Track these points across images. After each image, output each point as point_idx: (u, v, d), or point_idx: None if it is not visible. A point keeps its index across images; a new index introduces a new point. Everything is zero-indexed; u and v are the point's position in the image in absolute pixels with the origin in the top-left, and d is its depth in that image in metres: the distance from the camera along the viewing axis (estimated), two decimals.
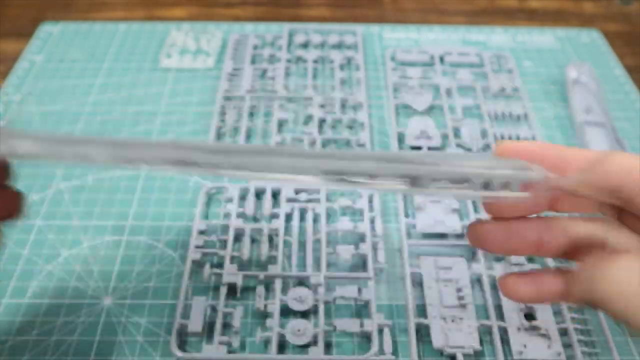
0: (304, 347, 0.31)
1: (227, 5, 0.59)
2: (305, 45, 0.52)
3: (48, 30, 0.53)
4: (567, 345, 0.31)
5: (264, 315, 0.32)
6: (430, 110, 0.46)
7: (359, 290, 0.33)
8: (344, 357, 0.30)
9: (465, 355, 0.30)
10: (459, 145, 0.42)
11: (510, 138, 0.43)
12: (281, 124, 0.44)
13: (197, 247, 0.35)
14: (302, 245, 0.36)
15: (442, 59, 0.50)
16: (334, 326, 0.31)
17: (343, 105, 0.46)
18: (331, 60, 0.50)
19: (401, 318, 0.32)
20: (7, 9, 0.57)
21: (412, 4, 0.60)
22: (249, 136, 0.43)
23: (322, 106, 0.45)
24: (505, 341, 0.31)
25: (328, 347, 0.31)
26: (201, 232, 0.36)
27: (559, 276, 0.21)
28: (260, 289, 0.33)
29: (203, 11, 0.58)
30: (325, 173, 0.19)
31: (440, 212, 0.37)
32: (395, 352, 0.31)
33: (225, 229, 0.36)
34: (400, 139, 0.43)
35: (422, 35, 0.54)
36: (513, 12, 0.59)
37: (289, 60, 0.50)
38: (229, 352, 0.30)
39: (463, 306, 0.32)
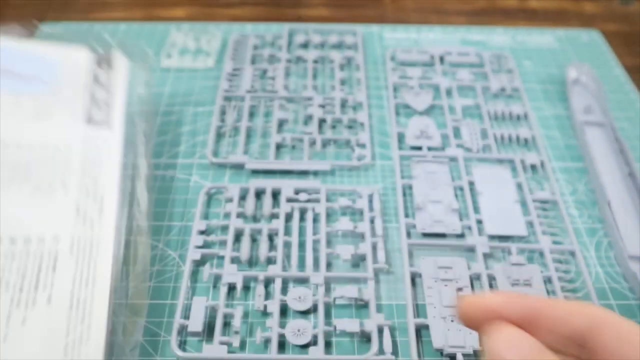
0: (304, 347, 0.31)
1: (227, 6, 0.59)
2: (305, 45, 0.52)
3: (48, 31, 0.53)
4: None
5: (264, 315, 0.32)
6: (430, 110, 0.46)
7: (359, 290, 0.33)
8: (344, 357, 0.30)
9: (465, 355, 0.30)
10: (459, 146, 0.42)
11: (510, 138, 0.43)
12: (281, 124, 0.44)
13: (197, 247, 0.35)
14: (302, 245, 0.36)
15: (442, 59, 0.50)
16: (334, 326, 0.31)
17: (343, 105, 0.46)
18: (331, 60, 0.50)
19: (401, 318, 0.33)
20: (7, 9, 0.57)
21: (412, 4, 0.60)
22: (248, 136, 0.43)
23: (322, 106, 0.45)
24: None
25: (328, 347, 0.31)
26: (201, 232, 0.36)
27: None
28: (260, 289, 0.33)
29: (203, 11, 0.58)
30: None
31: (440, 212, 0.37)
32: (395, 352, 0.31)
33: (225, 229, 0.36)
34: (400, 139, 0.43)
35: (422, 35, 0.54)
36: (513, 12, 0.59)
37: (289, 60, 0.50)
38: (229, 352, 0.30)
39: None
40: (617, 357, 0.17)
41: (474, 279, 0.34)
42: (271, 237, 0.36)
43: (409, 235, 0.37)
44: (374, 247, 0.35)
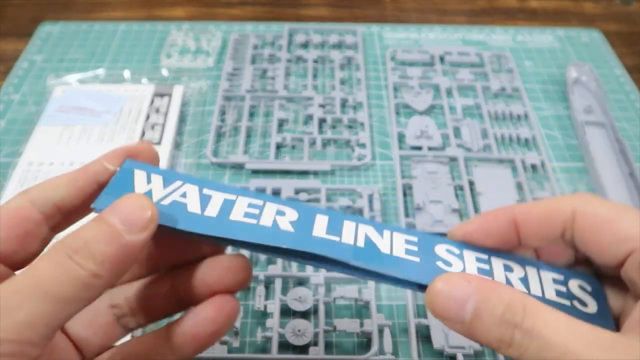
0: (304, 347, 0.31)
1: (227, 5, 0.59)
2: (305, 45, 0.52)
3: (48, 30, 0.53)
4: None
5: (264, 315, 0.32)
6: (430, 110, 0.46)
7: (359, 290, 0.33)
8: (344, 357, 0.30)
9: (465, 355, 0.30)
10: (459, 146, 0.42)
11: (510, 138, 0.43)
12: (281, 124, 0.44)
13: None
14: None
15: (442, 59, 0.50)
16: (334, 326, 0.31)
17: (343, 105, 0.46)
18: (331, 60, 0.50)
19: (401, 318, 0.32)
20: (7, 8, 0.57)
21: (412, 3, 0.60)
22: (249, 136, 0.43)
23: (322, 106, 0.45)
24: None
25: (328, 347, 0.31)
26: None
27: None
28: (260, 289, 0.33)
29: (203, 11, 0.58)
30: None
31: (440, 212, 0.37)
32: (395, 352, 0.31)
33: None
34: (401, 139, 0.43)
35: (422, 35, 0.54)
36: (513, 12, 0.59)
37: (289, 60, 0.50)
38: (229, 351, 0.30)
39: None
40: (594, 240, 0.18)
41: None
42: None
43: None
44: None
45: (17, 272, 0.18)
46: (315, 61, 0.50)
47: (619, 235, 0.18)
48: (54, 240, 0.19)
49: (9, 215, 0.19)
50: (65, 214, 0.20)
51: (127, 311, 0.22)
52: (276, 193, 0.38)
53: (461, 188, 0.39)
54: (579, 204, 0.19)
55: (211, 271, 0.21)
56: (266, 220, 0.20)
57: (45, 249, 0.17)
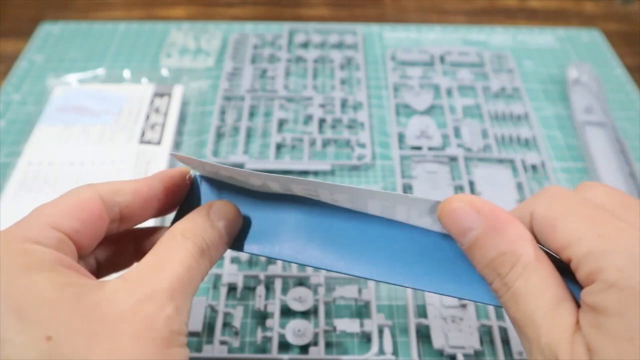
0: (304, 347, 0.31)
1: (227, 5, 0.59)
2: (305, 45, 0.52)
3: (47, 30, 0.53)
4: None
5: (264, 315, 0.32)
6: (430, 110, 0.46)
7: (359, 290, 0.33)
8: (344, 357, 0.30)
9: (465, 355, 0.30)
10: (459, 145, 0.42)
11: (510, 138, 0.43)
12: (281, 124, 0.44)
13: None
14: None
15: (442, 59, 0.50)
16: (334, 326, 0.31)
17: (343, 105, 0.46)
18: (331, 60, 0.50)
19: (401, 318, 0.32)
20: (7, 8, 0.57)
21: (413, 3, 0.60)
22: (249, 136, 0.43)
23: (322, 106, 0.45)
24: (505, 341, 0.31)
25: (328, 347, 0.31)
26: None
27: None
28: (260, 289, 0.33)
29: (203, 11, 0.58)
30: None
31: None
32: (395, 352, 0.31)
33: None
34: (401, 138, 0.43)
35: (423, 35, 0.54)
36: (513, 12, 0.59)
37: (289, 60, 0.50)
38: (229, 352, 0.30)
39: (463, 306, 0.32)
40: (547, 247, 0.18)
41: None
42: None
43: None
44: None
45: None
46: (315, 61, 0.50)
47: (560, 243, 0.17)
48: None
49: (86, 209, 0.19)
50: (122, 221, 0.21)
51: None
52: None
53: (461, 188, 0.39)
54: (535, 206, 0.18)
55: None
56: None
57: (177, 240, 0.20)
